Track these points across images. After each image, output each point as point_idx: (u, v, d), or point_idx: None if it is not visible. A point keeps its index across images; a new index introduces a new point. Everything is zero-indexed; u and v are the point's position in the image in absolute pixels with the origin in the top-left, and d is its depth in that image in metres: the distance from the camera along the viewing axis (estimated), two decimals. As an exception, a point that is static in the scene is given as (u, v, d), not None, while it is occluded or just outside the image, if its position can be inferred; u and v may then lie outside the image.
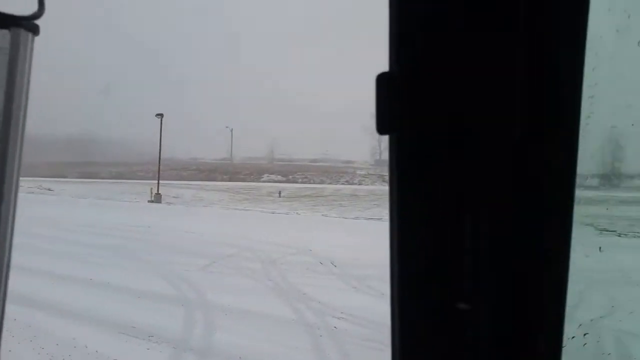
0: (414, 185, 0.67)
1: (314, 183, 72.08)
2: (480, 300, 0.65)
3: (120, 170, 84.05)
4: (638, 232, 14.27)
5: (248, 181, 73.87)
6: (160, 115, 41.85)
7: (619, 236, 13.88)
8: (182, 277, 10.44)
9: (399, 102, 0.66)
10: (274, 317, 7.68)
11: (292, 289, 9.55)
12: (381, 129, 0.68)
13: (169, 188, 46.36)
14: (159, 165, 43.07)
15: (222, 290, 9.19)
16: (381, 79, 0.67)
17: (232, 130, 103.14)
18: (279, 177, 76.79)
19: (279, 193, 47.34)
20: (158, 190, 39.33)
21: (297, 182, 72.53)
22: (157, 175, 42.81)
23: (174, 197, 42.13)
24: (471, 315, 0.66)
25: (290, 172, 79.91)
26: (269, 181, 73.65)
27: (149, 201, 37.77)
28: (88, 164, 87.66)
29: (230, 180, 75.43)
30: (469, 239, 0.65)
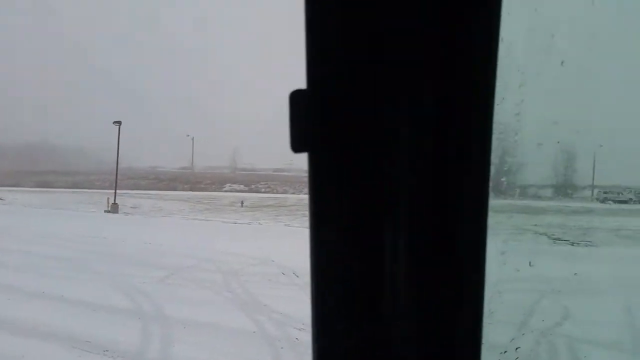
0: (330, 200, 0.67)
1: (277, 193, 71.81)
2: (399, 305, 0.66)
3: (77, 179, 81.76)
4: (590, 241, 14.82)
5: (210, 191, 72.96)
6: (118, 123, 40.97)
7: (572, 245, 14.39)
8: (139, 289, 10.19)
9: (313, 119, 0.66)
10: (234, 330, 7.56)
11: (253, 301, 9.44)
12: (296, 146, 0.67)
13: (126, 198, 45.34)
14: (116, 174, 42.06)
15: (181, 303, 9.02)
16: (295, 97, 0.66)
17: (193, 139, 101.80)
18: (242, 187, 76.15)
19: (242, 203, 46.90)
20: (115, 200, 38.38)
21: (260, 192, 72.10)
22: (114, 185, 41.80)
23: (131, 207, 41.14)
24: (390, 320, 0.67)
25: (253, 181, 79.36)
26: (231, 191, 72.93)
27: (105, 211, 36.78)
28: (44, 173, 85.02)
29: (191, 189, 74.37)
30: (386, 249, 0.66)
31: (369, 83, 0.65)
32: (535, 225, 17.53)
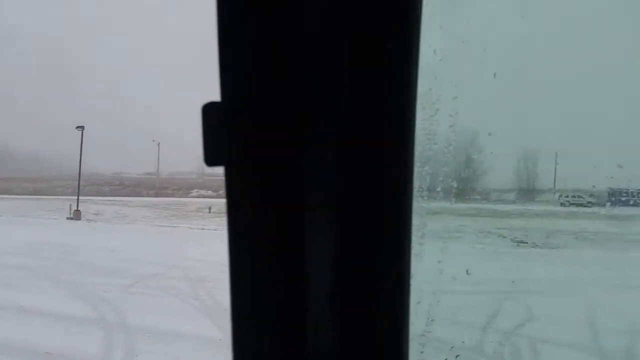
0: (249, 214, 0.67)
1: (244, 198, 71.31)
2: (320, 308, 0.67)
3: (39, 185, 79.47)
4: (552, 244, 15.20)
5: (176, 197, 71.99)
6: (81, 128, 40.09)
7: (534, 247, 14.74)
8: (103, 298, 9.97)
9: (227, 133, 0.66)
10: (200, 338, 7.45)
11: (220, 308, 9.33)
12: (210, 161, 0.66)
13: (90, 204, 44.30)
14: (79, 180, 41.08)
15: (146, 312, 8.85)
16: (208, 110, 0.65)
17: (159, 144, 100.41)
18: (210, 193, 75.29)
19: (209, 209, 46.37)
20: (78, 207, 37.45)
21: (227, 198, 71.40)
22: (77, 191, 40.81)
23: (95, 213, 40.19)
24: (311, 322, 0.67)
25: (221, 187, 77.42)
26: (198, 197, 72.05)
27: (67, 218, 35.84)
28: (3, 180, 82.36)
29: (156, 195, 73.22)
30: (307, 256, 0.66)
31: (284, 94, 0.65)
32: (499, 228, 17.90)
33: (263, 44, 0.65)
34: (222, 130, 0.66)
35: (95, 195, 61.88)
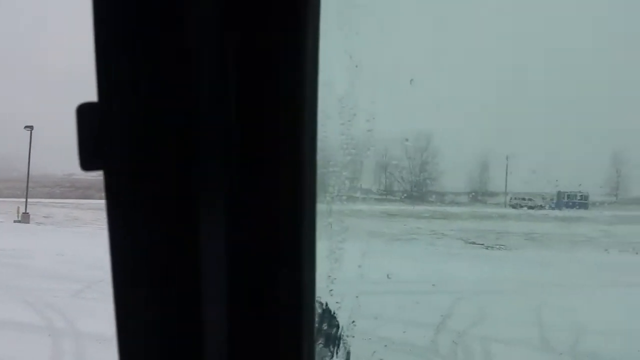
0: (130, 218, 0.64)
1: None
2: (210, 308, 0.65)
3: (-17, 187, 76.07)
4: (503, 245, 15.66)
5: (130, 199, 70.26)
6: (30, 128, 38.62)
7: (486, 248, 15.13)
8: (51, 304, 9.64)
9: (105, 135, 0.62)
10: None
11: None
12: (87, 165, 0.62)
13: (39, 207, 42.70)
14: (27, 182, 39.57)
15: (96, 318, 8.58)
16: (84, 111, 0.61)
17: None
18: (164, 195, 73.73)
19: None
20: (26, 209, 36.04)
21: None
22: (26, 193, 39.27)
23: (44, 216, 38.74)
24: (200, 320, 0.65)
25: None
26: (152, 199, 70.54)
27: (15, 221, 34.40)
28: (-58, 181, 78.33)
29: (110, 198, 71.21)
30: (196, 264, 0.64)
31: (167, 94, 0.62)
32: (452, 230, 18.28)
33: (142, 41, 0.61)
34: (99, 133, 0.62)
35: (46, 198, 59.60)
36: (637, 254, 13.93)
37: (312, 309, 0.72)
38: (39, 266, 14.59)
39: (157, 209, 0.63)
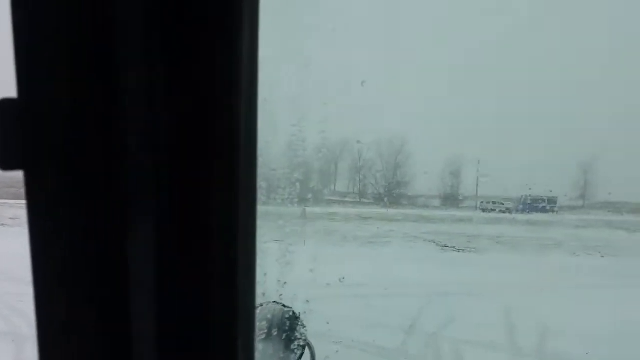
0: (52, 220, 0.62)
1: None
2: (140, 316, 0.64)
3: (-55, 188, 73.75)
4: (474, 248, 15.87)
5: (100, 201, 69.01)
6: None
7: (458, 251, 15.29)
8: (16, 309, 9.35)
9: (26, 133, 0.59)
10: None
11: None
12: (6, 164, 0.59)
13: (6, 208, 41.50)
14: (-6, 183, 38.49)
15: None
16: (4, 107, 0.58)
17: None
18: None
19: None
20: (-8, 211, 35.09)
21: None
22: (-9, 195, 38.20)
23: (11, 218, 37.69)
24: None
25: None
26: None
27: (-20, 224, 33.50)
28: None
29: (80, 200, 69.88)
30: (124, 265, 0.62)
31: (93, 90, 0.59)
32: (424, 233, 18.48)
33: (65, 34, 0.58)
34: (19, 131, 0.58)
35: (13, 199, 58.20)
36: (602, 257, 14.32)
37: (249, 313, 0.69)
38: (3, 269, 14.18)
39: (80, 209, 0.61)
